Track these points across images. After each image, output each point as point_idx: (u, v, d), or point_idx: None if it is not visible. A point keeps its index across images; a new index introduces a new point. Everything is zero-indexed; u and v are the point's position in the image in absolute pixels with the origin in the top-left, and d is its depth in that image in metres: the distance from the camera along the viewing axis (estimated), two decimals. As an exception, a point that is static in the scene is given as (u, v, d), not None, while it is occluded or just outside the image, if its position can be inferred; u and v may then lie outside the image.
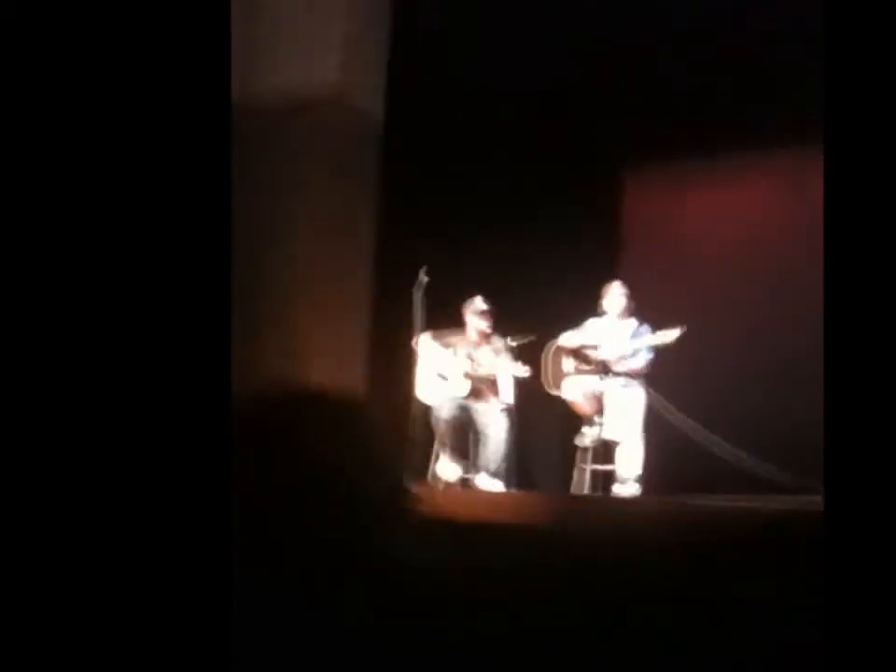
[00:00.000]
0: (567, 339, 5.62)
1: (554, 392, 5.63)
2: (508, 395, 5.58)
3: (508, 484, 5.47)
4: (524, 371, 5.42)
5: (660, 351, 5.36)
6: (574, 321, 5.68)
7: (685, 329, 5.16)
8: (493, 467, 5.41)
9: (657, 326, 5.38)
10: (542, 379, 5.67)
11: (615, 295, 5.54)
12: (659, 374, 5.50)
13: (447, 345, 5.76)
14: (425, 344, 5.61)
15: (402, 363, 5.58)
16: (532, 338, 5.46)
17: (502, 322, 5.83)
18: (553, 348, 5.71)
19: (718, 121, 6.57)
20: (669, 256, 7.38)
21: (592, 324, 5.59)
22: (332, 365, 5.13)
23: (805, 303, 6.54)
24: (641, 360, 5.41)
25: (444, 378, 5.65)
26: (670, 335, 5.20)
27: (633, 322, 5.55)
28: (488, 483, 5.37)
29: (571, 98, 6.64)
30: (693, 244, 7.33)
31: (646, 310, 5.66)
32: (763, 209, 7.19)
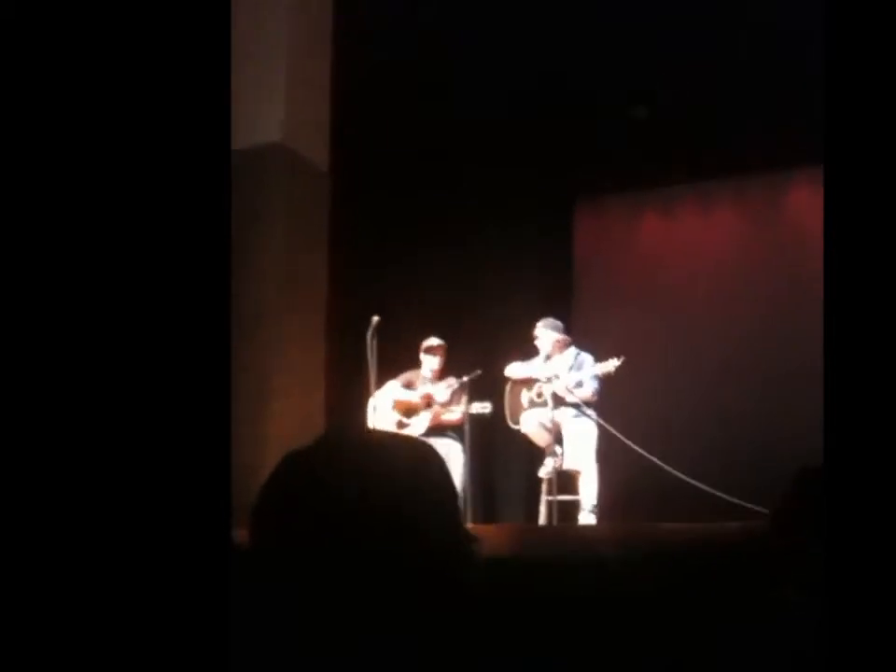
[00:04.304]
0: (513, 369, 5.74)
1: (515, 426, 5.73)
2: (464, 428, 5.65)
3: (470, 518, 5.51)
4: (483, 407, 5.51)
5: (606, 382, 5.50)
6: (525, 357, 5.79)
7: (623, 359, 5.33)
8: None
9: (602, 356, 5.53)
10: (506, 414, 5.77)
11: (540, 336, 5.68)
12: (609, 405, 5.62)
13: (406, 384, 5.86)
14: (388, 391, 5.68)
15: (361, 406, 5.63)
16: (478, 372, 5.56)
17: (458, 360, 5.92)
18: (511, 383, 5.81)
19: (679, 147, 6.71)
20: (623, 287, 7.51)
21: (538, 358, 5.71)
22: (293, 408, 5.19)
23: (755, 333, 6.76)
24: (588, 390, 5.54)
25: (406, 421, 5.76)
26: (609, 366, 5.38)
27: (572, 352, 5.69)
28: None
29: (520, 138, 6.76)
30: (648, 276, 7.47)
31: (595, 343, 5.81)
32: (723, 239, 7.36)
